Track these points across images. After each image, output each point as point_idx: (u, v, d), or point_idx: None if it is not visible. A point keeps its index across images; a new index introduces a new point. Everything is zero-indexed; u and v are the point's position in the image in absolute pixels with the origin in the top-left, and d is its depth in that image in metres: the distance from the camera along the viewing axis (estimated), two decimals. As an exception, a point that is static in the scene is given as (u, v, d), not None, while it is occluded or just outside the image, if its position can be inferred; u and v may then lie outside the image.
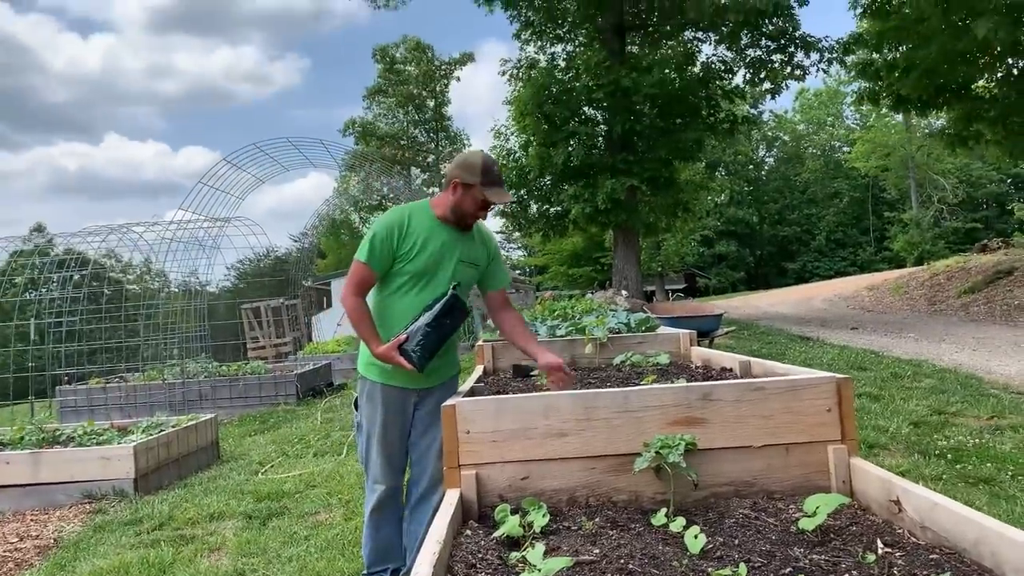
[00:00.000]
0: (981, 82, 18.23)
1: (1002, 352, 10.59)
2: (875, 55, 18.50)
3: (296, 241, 37.15)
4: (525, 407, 2.28)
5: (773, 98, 22.58)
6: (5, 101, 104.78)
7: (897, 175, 54.54)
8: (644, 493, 2.21)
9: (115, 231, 13.15)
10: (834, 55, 19.67)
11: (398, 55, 48.62)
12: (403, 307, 3.20)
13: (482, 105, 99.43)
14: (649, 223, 20.98)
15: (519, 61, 22.30)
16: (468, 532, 2.01)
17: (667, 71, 19.02)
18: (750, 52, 20.38)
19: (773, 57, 20.16)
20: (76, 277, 14.29)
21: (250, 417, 10.61)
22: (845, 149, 64.92)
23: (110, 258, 33.76)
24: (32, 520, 5.66)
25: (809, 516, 1.88)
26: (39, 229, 48.30)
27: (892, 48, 17.72)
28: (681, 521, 1.95)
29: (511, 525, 1.95)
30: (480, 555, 1.82)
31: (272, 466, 6.90)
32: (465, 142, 51.30)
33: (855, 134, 61.03)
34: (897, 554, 1.71)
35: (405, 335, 3.08)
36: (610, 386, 3.01)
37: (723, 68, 20.95)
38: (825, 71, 20.58)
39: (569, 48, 22.46)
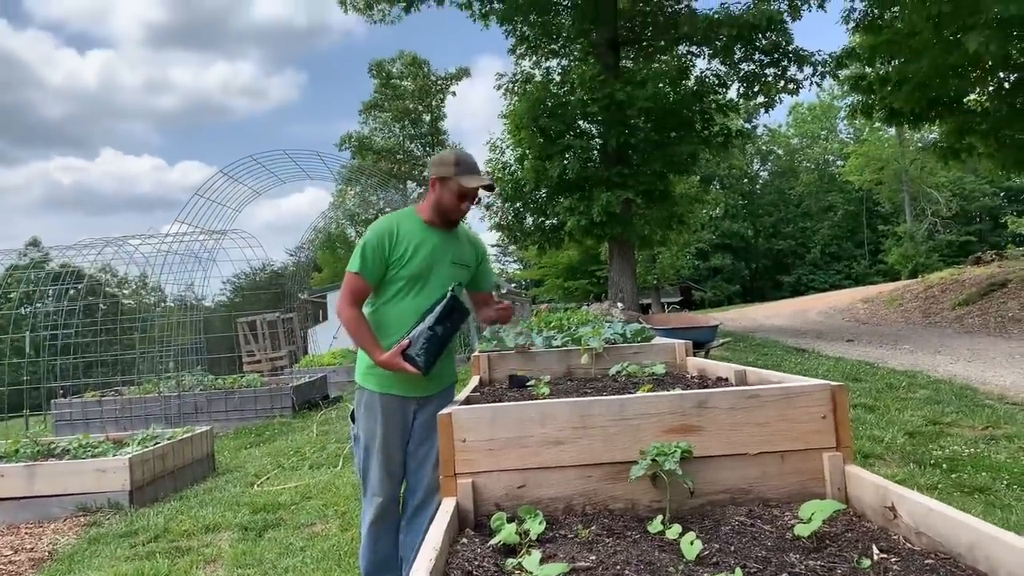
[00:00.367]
0: (973, 95, 18.35)
1: (997, 363, 10.62)
2: (868, 69, 18.63)
3: (292, 255, 37.18)
4: (521, 415, 2.28)
5: (767, 112, 22.75)
6: (2, 116, 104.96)
7: (891, 188, 54.81)
8: (640, 501, 2.21)
9: (111, 243, 13.14)
10: (827, 69, 19.81)
11: (394, 70, 48.74)
12: (400, 313, 3.21)
13: (478, 119, 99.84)
14: (644, 236, 21.04)
15: (514, 75, 22.42)
16: (464, 540, 2.01)
17: (661, 85, 19.13)
18: (744, 66, 20.51)
19: (766, 71, 20.30)
20: (72, 291, 14.27)
21: (246, 430, 10.58)
22: (839, 163, 65.23)
23: (106, 272, 33.69)
24: (27, 533, 5.63)
25: (805, 522, 1.89)
26: (34, 243, 48.20)
27: (884, 62, 17.85)
28: (677, 528, 1.95)
29: (507, 533, 1.95)
30: (476, 562, 1.82)
31: (268, 478, 6.88)
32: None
33: (849, 148, 61.36)
34: (892, 560, 1.72)
35: (407, 340, 3.09)
36: (606, 395, 3.01)
37: (717, 82, 21.08)
38: (818, 85, 20.73)
39: (564, 62, 22.61)
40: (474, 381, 3.90)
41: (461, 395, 3.21)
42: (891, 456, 5.44)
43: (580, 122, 20.20)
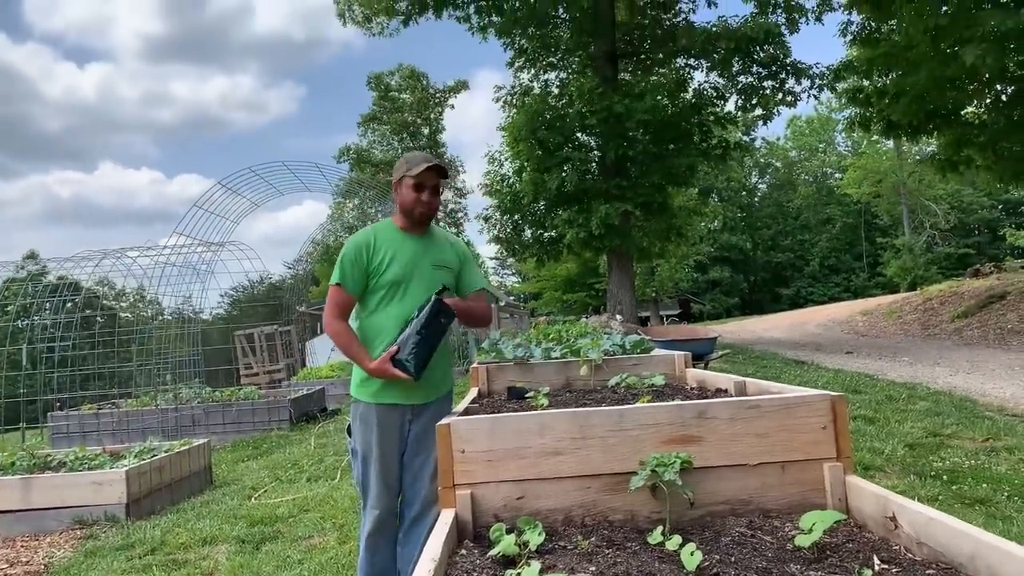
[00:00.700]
0: (971, 108, 18.42)
1: (996, 375, 10.61)
2: (865, 81, 18.71)
3: (290, 268, 37.20)
4: (520, 426, 2.27)
5: (765, 124, 22.85)
6: (1, 130, 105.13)
7: (889, 201, 54.97)
8: (640, 512, 2.20)
9: (109, 255, 13.13)
10: (825, 82, 19.92)
11: (393, 83, 48.93)
12: (385, 320, 3.24)
13: (476, 132, 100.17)
14: (643, 248, 21.07)
15: (513, 88, 22.52)
16: (463, 552, 2.00)
17: (659, 98, 19.20)
18: (741, 79, 20.63)
19: (764, 84, 20.41)
20: (69, 304, 14.25)
21: (243, 442, 10.55)
22: (837, 176, 65.46)
23: (103, 285, 33.69)
24: (22, 546, 5.60)
25: (805, 533, 1.88)
26: (32, 256, 48.20)
27: (882, 74, 17.92)
28: (677, 539, 1.94)
29: (506, 544, 1.93)
30: (475, 574, 1.81)
31: (265, 491, 6.85)
32: (460, 168, 51.55)
33: (847, 161, 61.61)
34: (894, 570, 1.71)
35: (396, 346, 3.11)
36: (605, 406, 3.00)
37: (715, 94, 21.19)
38: (816, 97, 20.85)
39: (562, 75, 22.72)
40: (472, 392, 3.89)
41: (459, 406, 3.20)
42: (891, 468, 5.43)
43: (579, 134, 20.27)
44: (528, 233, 22.51)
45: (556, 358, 4.42)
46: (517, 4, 20.43)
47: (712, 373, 3.67)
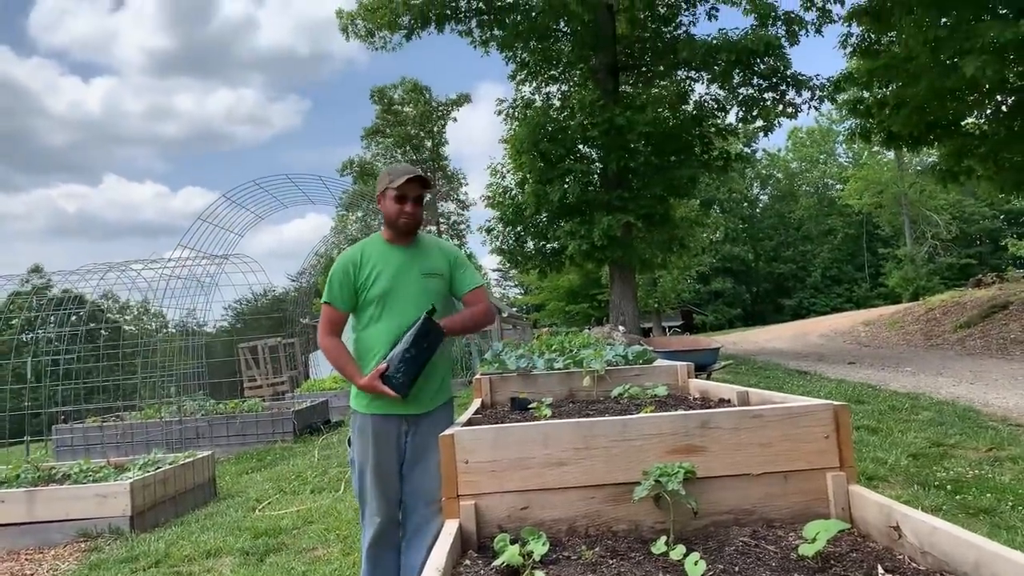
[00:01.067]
0: (971, 119, 18.45)
1: (999, 385, 10.60)
2: (865, 93, 18.75)
3: (294, 280, 37.22)
4: (523, 436, 2.28)
5: (766, 135, 22.89)
6: (6, 144, 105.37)
7: (890, 212, 55.01)
8: (644, 522, 2.20)
9: (114, 268, 13.17)
10: (825, 93, 19.97)
11: (396, 96, 49.10)
12: (376, 335, 3.26)
13: (478, 145, 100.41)
14: (645, 259, 21.07)
15: (515, 101, 22.61)
16: (467, 562, 2.01)
17: (660, 110, 19.28)
18: (742, 90, 20.69)
19: (765, 95, 20.46)
20: (73, 318, 14.27)
21: (247, 454, 10.54)
22: (838, 187, 65.51)
23: (107, 299, 33.72)
24: (27, 559, 5.60)
25: (809, 542, 1.88)
26: (36, 270, 48.30)
27: (882, 86, 17.97)
28: (681, 549, 1.94)
29: (511, 554, 1.94)
30: (480, 584, 1.82)
31: (269, 503, 6.85)
32: (462, 181, 51.70)
33: (848, 172, 61.68)
34: (897, 579, 1.71)
35: (386, 363, 3.13)
36: (609, 417, 3.01)
37: (716, 106, 21.27)
38: (816, 108, 20.90)
39: (564, 88, 22.82)
40: (476, 404, 3.90)
41: (463, 417, 3.21)
42: (895, 478, 5.42)
43: (580, 146, 20.35)
44: (530, 245, 22.54)
45: (559, 369, 4.43)
46: (518, 18, 20.56)
47: (715, 383, 3.68)
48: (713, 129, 21.25)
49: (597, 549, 2.05)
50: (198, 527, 6.08)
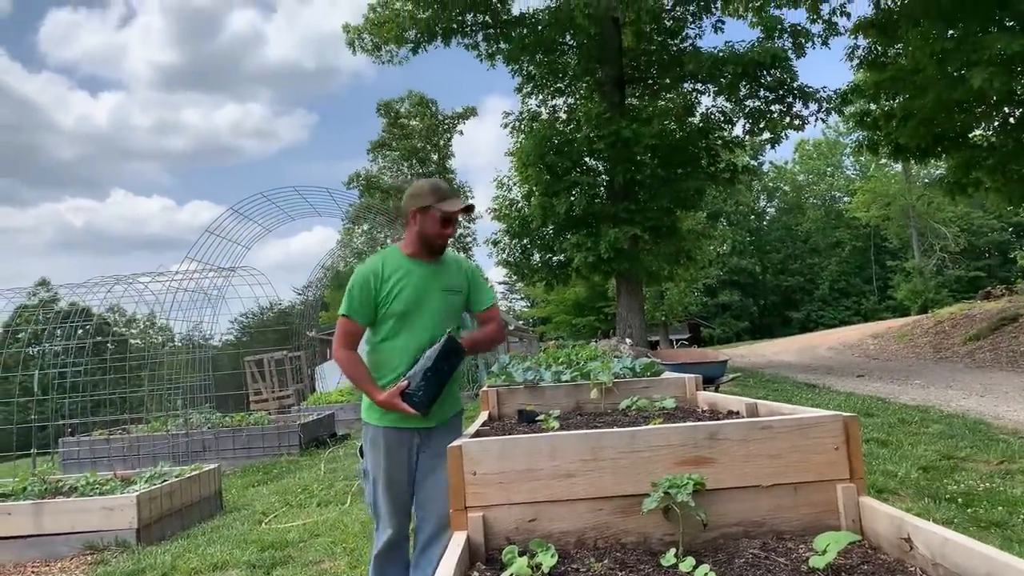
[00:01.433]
0: (979, 131, 18.43)
1: (1010, 398, 10.54)
2: (872, 105, 18.75)
3: (300, 293, 37.28)
4: (531, 448, 2.27)
5: (773, 148, 22.98)
6: (15, 158, 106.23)
7: (898, 224, 54.90)
8: (653, 534, 2.19)
9: (121, 281, 13.21)
10: (832, 105, 19.98)
11: (402, 110, 49.26)
12: (395, 350, 3.23)
13: (485, 157, 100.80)
14: (652, 271, 21.06)
15: (521, 113, 22.67)
16: (475, 574, 2.00)
17: (667, 122, 19.30)
18: (749, 103, 20.72)
19: (772, 107, 20.48)
20: (80, 331, 14.31)
21: (253, 467, 10.53)
22: (845, 199, 65.41)
23: (114, 312, 33.84)
24: (33, 572, 5.59)
25: (820, 554, 1.87)
26: (43, 284, 48.48)
27: (889, 98, 17.96)
28: (691, 561, 1.93)
29: (519, 566, 1.93)
30: (488, 596, 1.80)
31: (276, 516, 6.83)
32: (468, 193, 51.70)
33: (855, 184, 61.60)
34: (910, 591, 1.69)
35: (406, 381, 3.11)
36: (617, 428, 2.99)
37: (722, 119, 21.30)
38: (823, 120, 20.91)
39: (570, 100, 22.89)
40: (483, 416, 3.89)
41: (470, 429, 3.20)
42: (905, 491, 5.38)
43: (586, 159, 20.38)
44: (537, 257, 22.55)
45: (566, 381, 4.42)
46: (524, 31, 20.67)
47: (723, 395, 3.66)
48: (720, 141, 21.28)
49: (606, 561, 2.03)
50: (204, 540, 6.07)
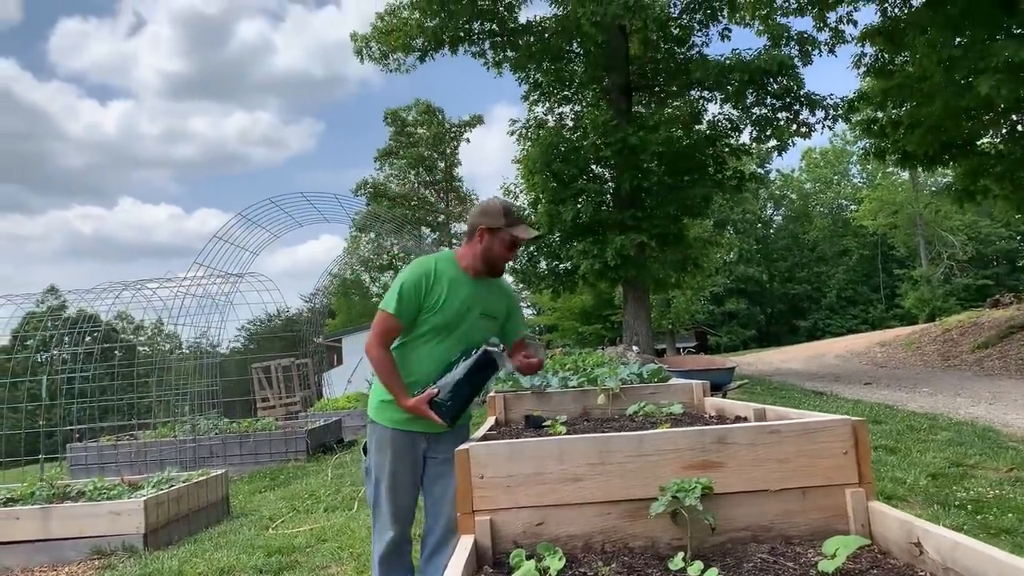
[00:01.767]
0: (986, 138, 18.39)
1: (1019, 405, 10.49)
2: (879, 113, 18.73)
3: (307, 301, 37.35)
4: (539, 451, 2.26)
5: (780, 155, 22.87)
6: (24, 166, 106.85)
7: (905, 232, 54.75)
8: (661, 539, 2.18)
9: (129, 287, 13.26)
10: (839, 113, 19.94)
11: (409, 118, 49.44)
12: (423, 357, 3.21)
13: (491, 165, 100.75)
14: (658, 279, 21.01)
15: (527, 121, 22.71)
16: (483, 578, 2.00)
17: (674, 129, 19.30)
18: (756, 110, 20.70)
19: (778, 115, 20.45)
20: (88, 338, 14.35)
21: (260, 473, 10.55)
22: (852, 207, 65.24)
23: (122, 319, 33.94)
24: (40, 576, 5.61)
25: (829, 558, 1.86)
26: (52, 290, 48.65)
27: (896, 105, 17.95)
28: (699, 565, 1.92)
29: (527, 569, 1.93)
30: (496, 599, 1.80)
31: (283, 521, 6.84)
32: (474, 201, 51.82)
33: (862, 192, 61.48)
34: (920, 596, 1.69)
35: (436, 388, 3.08)
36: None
37: (729, 126, 21.27)
38: (830, 128, 20.87)
39: (576, 108, 22.92)
40: (490, 421, 3.88)
41: (477, 434, 3.20)
42: (914, 498, 5.36)
43: (593, 166, 20.40)
44: (543, 264, 22.53)
45: (573, 387, 4.41)
46: (531, 39, 20.72)
47: (731, 401, 3.66)
48: (727, 149, 21.27)
49: (614, 565, 2.03)
50: (211, 545, 6.07)
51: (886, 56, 18.29)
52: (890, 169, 45.66)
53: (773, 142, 21.22)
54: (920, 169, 21.23)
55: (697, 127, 21.48)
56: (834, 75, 59.23)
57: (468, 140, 51.36)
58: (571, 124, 22.19)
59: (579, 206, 19.24)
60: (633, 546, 2.18)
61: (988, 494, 5.30)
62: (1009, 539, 4.31)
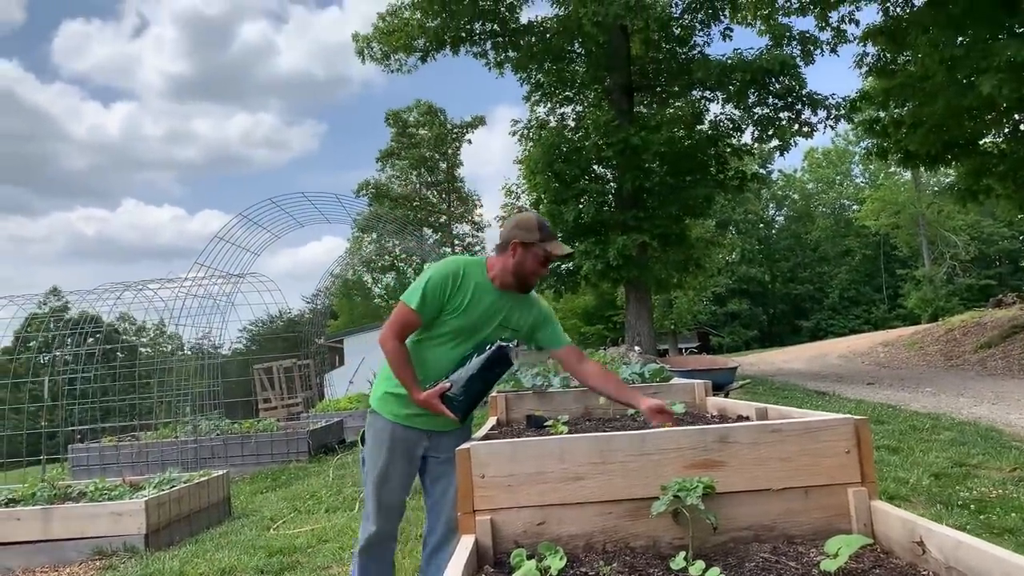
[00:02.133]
0: (989, 138, 18.37)
1: (1022, 405, 10.47)
2: (882, 112, 18.72)
3: (309, 302, 37.39)
4: (540, 451, 2.26)
5: (782, 155, 22.88)
6: (27, 168, 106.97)
7: (908, 233, 54.69)
8: (662, 538, 2.17)
9: (131, 288, 13.26)
10: (841, 112, 19.91)
11: (411, 119, 49.43)
12: (437, 357, 3.18)
13: (493, 166, 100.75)
14: (660, 279, 20.99)
15: (529, 121, 22.69)
16: (484, 577, 1.99)
17: (675, 129, 19.28)
18: (757, 110, 20.68)
19: (780, 115, 20.43)
20: (90, 339, 14.36)
21: (262, 474, 10.55)
22: (855, 207, 65.19)
23: (124, 320, 33.98)
24: (42, 577, 5.60)
25: (831, 558, 1.85)
26: (54, 292, 48.70)
27: (898, 105, 17.94)
28: (700, 565, 1.91)
29: (528, 569, 1.92)
30: (497, 599, 1.79)
31: (284, 521, 6.83)
32: (476, 202, 51.87)
33: (864, 192, 61.44)
34: (923, 595, 1.68)
35: (449, 383, 3.06)
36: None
37: (731, 126, 21.26)
38: (832, 128, 20.85)
39: (578, 108, 22.89)
40: (491, 421, 3.88)
41: (478, 434, 3.19)
42: (917, 498, 5.35)
43: (595, 166, 20.39)
44: (545, 265, 22.48)
45: (575, 387, 4.41)
46: (533, 40, 20.72)
47: (733, 401, 3.65)
48: (728, 149, 21.25)
49: (615, 565, 2.02)
50: (213, 545, 6.07)
51: (888, 56, 18.29)
52: (892, 169, 45.74)
53: (775, 142, 21.19)
54: (922, 169, 21.23)
55: (699, 127, 21.46)
56: (836, 75, 59.29)
57: (470, 141, 51.41)
58: (573, 124, 22.18)
59: (581, 206, 19.24)
60: (635, 546, 2.17)
61: (991, 494, 5.28)
62: (1012, 539, 4.29)
